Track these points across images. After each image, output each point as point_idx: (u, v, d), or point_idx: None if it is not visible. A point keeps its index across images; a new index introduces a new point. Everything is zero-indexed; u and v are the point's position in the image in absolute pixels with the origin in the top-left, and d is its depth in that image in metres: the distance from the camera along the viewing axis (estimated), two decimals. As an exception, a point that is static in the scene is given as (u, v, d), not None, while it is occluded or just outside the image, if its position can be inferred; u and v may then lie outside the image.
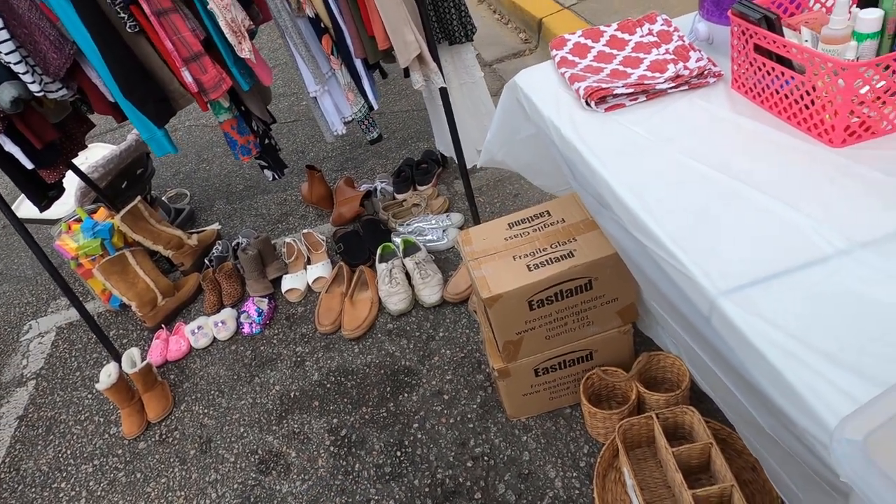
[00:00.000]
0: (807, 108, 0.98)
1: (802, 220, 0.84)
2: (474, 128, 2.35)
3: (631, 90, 1.20)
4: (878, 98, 0.92)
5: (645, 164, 1.04)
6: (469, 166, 2.23)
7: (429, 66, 1.89)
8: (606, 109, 1.21)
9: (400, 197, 2.56)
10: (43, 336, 2.52)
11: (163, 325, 2.31)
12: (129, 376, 1.96)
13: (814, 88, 0.95)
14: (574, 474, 1.49)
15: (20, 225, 1.89)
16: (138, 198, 2.47)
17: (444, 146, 2.53)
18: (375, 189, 2.62)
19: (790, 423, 0.67)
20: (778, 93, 1.04)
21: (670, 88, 1.21)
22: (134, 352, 2.03)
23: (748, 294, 0.76)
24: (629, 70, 1.27)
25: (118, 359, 2.05)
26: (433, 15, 2.03)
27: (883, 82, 0.90)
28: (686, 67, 1.22)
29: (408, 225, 2.36)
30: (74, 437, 2.03)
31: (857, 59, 0.95)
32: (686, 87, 1.21)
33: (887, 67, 0.88)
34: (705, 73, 1.20)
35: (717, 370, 0.90)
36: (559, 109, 1.25)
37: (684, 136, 1.08)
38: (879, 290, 0.71)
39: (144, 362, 1.97)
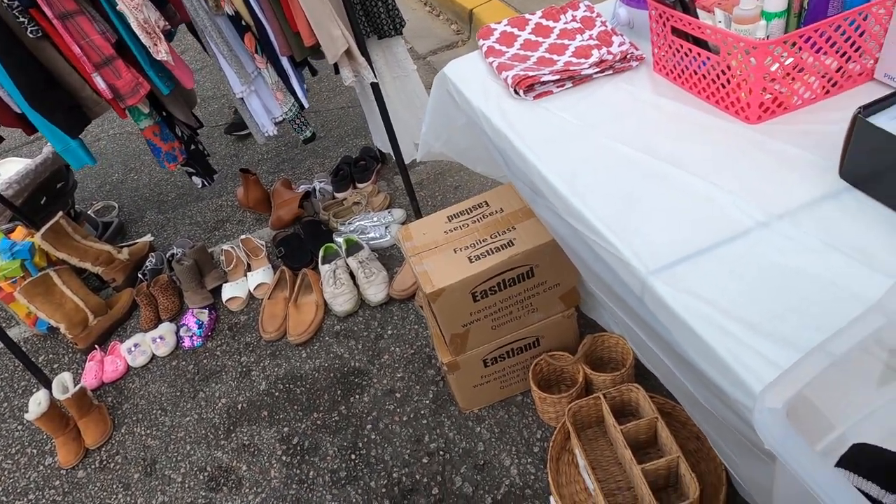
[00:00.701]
0: (723, 87, 1.01)
1: (724, 196, 0.86)
2: (410, 121, 2.32)
3: (557, 77, 1.21)
4: (788, 74, 0.95)
5: (574, 151, 1.05)
6: (407, 161, 2.21)
7: (358, 61, 1.86)
8: (535, 97, 1.22)
9: (340, 196, 2.52)
10: (-36, 368, 2.35)
11: (96, 346, 2.19)
12: (61, 403, 1.86)
13: (728, 68, 0.98)
14: (529, 460, 1.50)
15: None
16: (60, 213, 2.33)
17: (382, 142, 2.50)
18: (314, 189, 2.56)
19: (721, 393, 0.69)
20: (696, 73, 1.06)
21: (595, 73, 1.22)
22: (65, 376, 1.92)
23: (676, 271, 0.78)
24: (555, 57, 1.28)
25: (48, 385, 1.94)
26: (360, 9, 1.99)
27: (791, 59, 0.94)
28: (609, 52, 1.23)
29: (349, 224, 2.32)
30: (5, 472, 1.90)
31: (767, 37, 0.99)
32: (610, 72, 1.23)
33: (794, 44, 0.91)
34: (628, 56, 1.23)
35: (654, 347, 0.92)
36: (488, 99, 1.25)
37: (610, 121, 1.09)
38: (797, 259, 0.74)
39: (78, 386, 1.87)
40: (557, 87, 1.23)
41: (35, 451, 1.94)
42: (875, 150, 0.76)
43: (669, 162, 0.95)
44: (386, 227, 2.27)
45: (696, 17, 1.05)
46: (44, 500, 1.78)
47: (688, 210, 0.86)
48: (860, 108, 0.77)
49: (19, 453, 1.95)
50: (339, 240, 2.20)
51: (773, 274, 0.73)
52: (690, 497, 1.18)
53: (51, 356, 2.27)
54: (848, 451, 0.51)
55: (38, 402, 1.82)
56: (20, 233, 2.28)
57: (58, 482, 1.82)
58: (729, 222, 0.82)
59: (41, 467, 1.88)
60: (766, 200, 0.83)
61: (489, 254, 1.38)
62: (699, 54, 1.04)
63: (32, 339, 2.35)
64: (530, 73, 1.22)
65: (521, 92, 1.21)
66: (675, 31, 1.08)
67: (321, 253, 2.17)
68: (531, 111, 1.18)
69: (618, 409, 1.43)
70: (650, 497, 1.20)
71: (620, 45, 1.25)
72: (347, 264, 2.10)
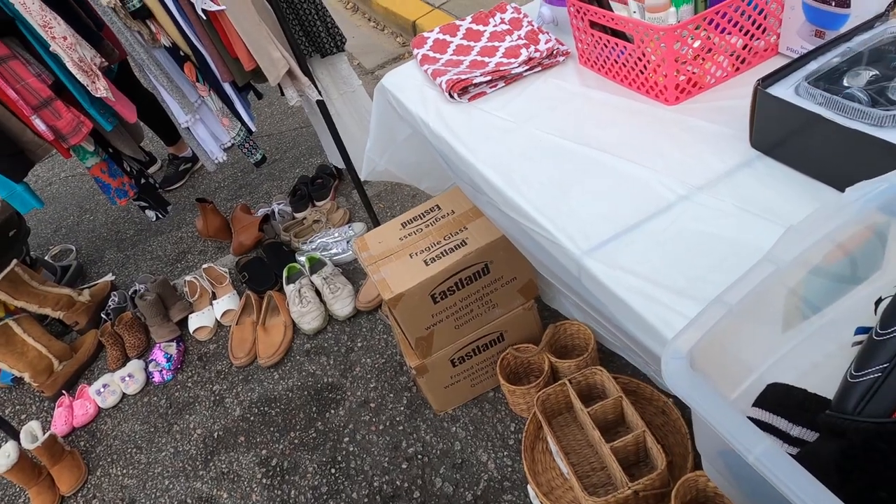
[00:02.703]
0: (641, 73, 1.06)
1: (648, 174, 0.91)
2: (361, 136, 2.34)
3: (489, 77, 1.25)
4: (698, 56, 1.01)
5: (509, 146, 1.09)
6: (361, 175, 2.23)
7: (301, 81, 1.88)
8: (470, 99, 1.26)
9: (299, 216, 2.52)
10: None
11: (64, 391, 2.15)
12: (31, 452, 1.82)
13: (644, 54, 1.03)
14: (505, 453, 1.53)
15: None
16: (14, 261, 2.28)
17: (336, 159, 2.52)
18: (273, 212, 2.57)
19: (658, 360, 0.73)
20: (616, 62, 1.12)
21: (525, 71, 1.27)
22: (33, 425, 1.88)
23: (607, 249, 0.82)
24: (486, 59, 1.33)
25: (16, 437, 1.90)
26: (299, 29, 2.02)
27: (698, 41, 0.99)
28: (537, 50, 1.28)
29: (311, 242, 2.33)
30: (-21, 530, 1.86)
31: (679, 22, 1.04)
32: (539, 69, 1.28)
33: (698, 27, 0.97)
34: (554, 52, 1.28)
35: (604, 322, 0.96)
36: (426, 105, 1.28)
37: (542, 114, 1.14)
38: (715, 225, 0.79)
39: (47, 434, 1.84)
40: (490, 87, 1.27)
41: (8, 505, 1.90)
42: (776, 118, 0.82)
43: (598, 147, 1.00)
44: (347, 242, 2.29)
45: (611, 9, 1.11)
46: (21, 554, 1.74)
47: (616, 191, 0.90)
48: (759, 80, 0.82)
49: (-8, 509, 1.90)
50: (302, 259, 2.21)
51: (695, 241, 0.78)
52: (659, 468, 1.23)
53: (17, 407, 2.22)
54: (762, 391, 0.55)
55: (6, 455, 1.78)
56: (-26, 285, 2.23)
57: (35, 534, 1.78)
58: (654, 198, 0.86)
59: (16, 521, 1.84)
60: (687, 175, 0.88)
61: (444, 255, 1.41)
62: (616, 44, 1.09)
63: (-3, 392, 2.30)
64: (463, 77, 1.26)
65: (455, 95, 1.25)
66: (593, 24, 1.13)
67: (285, 273, 2.18)
68: (467, 113, 1.22)
69: (585, 393, 1.47)
70: (621, 473, 1.24)
71: (547, 42, 1.30)
72: (312, 282, 2.11)
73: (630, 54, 1.07)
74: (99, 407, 2.07)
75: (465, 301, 1.46)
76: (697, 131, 0.96)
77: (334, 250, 2.28)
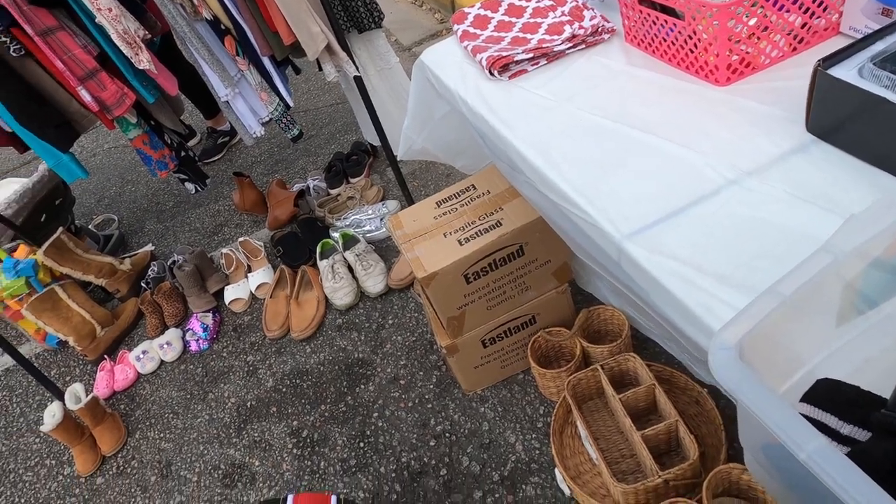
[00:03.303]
0: (691, 52, 1.02)
1: (695, 157, 0.88)
2: (397, 113, 2.34)
3: (531, 55, 1.22)
4: (753, 35, 0.96)
5: (549, 124, 1.06)
6: (396, 153, 2.23)
7: (339, 56, 1.87)
8: (510, 77, 1.23)
9: (334, 192, 2.54)
10: (-21, 387, 2.40)
11: (106, 356, 2.23)
12: (75, 413, 1.90)
13: (694, 32, 0.99)
14: (533, 436, 1.53)
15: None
16: (60, 229, 2.36)
17: (371, 136, 2.51)
18: (308, 187, 2.59)
19: (698, 348, 0.71)
20: (665, 40, 1.08)
21: (568, 49, 1.23)
22: (77, 387, 1.96)
23: (649, 234, 0.79)
24: (528, 36, 1.29)
25: (62, 397, 1.98)
26: (338, 4, 2.00)
27: (754, 19, 0.95)
28: (581, 27, 1.24)
29: (345, 219, 2.34)
30: (26, 484, 1.95)
31: (731, -1, 0.99)
32: (583, 46, 1.24)
33: (755, 4, 0.92)
34: (599, 30, 1.24)
35: (645, 307, 0.94)
36: (465, 82, 1.26)
37: (584, 93, 1.11)
38: (765, 211, 0.75)
39: (90, 396, 1.91)
40: (532, 65, 1.24)
41: (54, 461, 1.98)
42: (836, 101, 0.77)
43: (642, 128, 0.96)
44: (381, 220, 2.30)
45: (661, -16, 1.06)
46: (65, 509, 1.82)
47: (660, 173, 0.88)
48: (819, 60, 0.78)
49: (39, 465, 1.99)
50: (336, 235, 2.23)
51: (743, 228, 0.75)
52: (691, 458, 1.21)
53: (62, 369, 2.31)
54: (811, 386, 0.53)
55: (52, 414, 1.86)
56: (23, 251, 2.31)
57: (77, 490, 1.86)
58: (701, 182, 0.83)
59: (60, 477, 1.92)
60: (736, 158, 0.85)
61: (478, 235, 1.40)
62: (666, 21, 1.05)
63: (43, 354, 2.40)
64: (504, 54, 1.23)
65: (496, 72, 1.23)
66: (642, 0, 1.09)
67: (319, 249, 2.20)
68: (507, 91, 1.19)
69: (617, 379, 1.46)
70: (651, 461, 1.22)
71: (592, 18, 1.26)
72: (345, 258, 2.13)
73: (680, 32, 1.02)
74: (138, 372, 2.14)
75: (499, 282, 1.45)
76: (749, 113, 0.92)
77: (367, 227, 2.29)
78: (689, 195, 0.82)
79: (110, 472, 1.87)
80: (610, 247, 0.84)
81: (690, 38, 1.00)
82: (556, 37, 1.25)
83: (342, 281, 2.07)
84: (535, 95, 1.15)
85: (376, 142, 2.48)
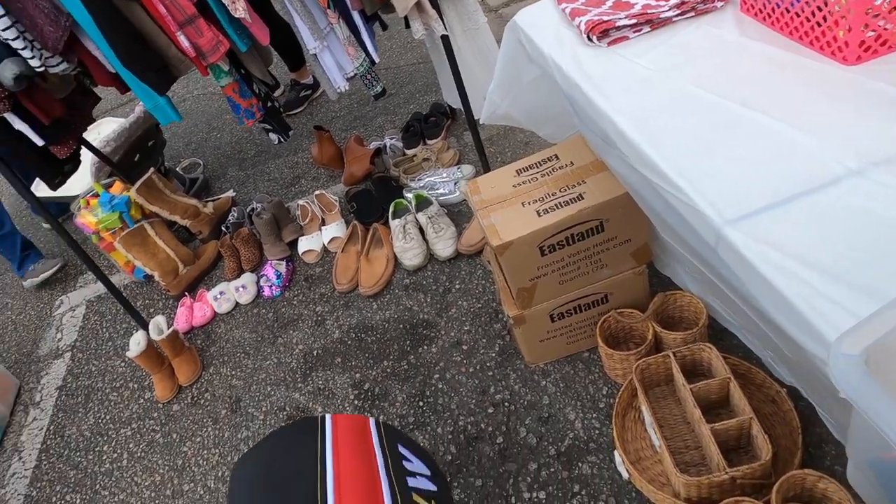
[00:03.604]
0: (818, 25, 0.93)
1: (813, 142, 0.80)
2: (481, 76, 2.29)
3: (634, 21, 1.16)
4: (895, 9, 0.86)
5: (649, 97, 1.00)
6: (477, 116, 2.19)
7: (428, 13, 1.84)
8: (609, 43, 1.17)
9: (410, 152, 2.54)
10: (74, 310, 2.60)
11: (186, 293, 2.36)
12: (157, 343, 2.02)
13: (826, 3, 0.90)
14: (594, 415, 1.51)
15: (39, 203, 1.92)
16: (151, 169, 2.49)
17: (452, 98, 2.48)
18: (385, 146, 2.60)
19: (799, 347, 0.67)
20: (788, 11, 0.99)
21: (675, 16, 1.16)
22: (160, 319, 2.08)
23: (755, 221, 0.74)
24: (632, 0, 1.22)
25: (146, 327, 2.11)
26: (430, -41, 1.96)
27: (899, -10, 0.85)
28: (692, -8, 1.16)
29: (419, 180, 2.34)
30: (112, 403, 2.11)
31: (873, -33, 0.89)
32: (692, 14, 1.16)
33: (903, -27, 0.83)
34: (712, -4, 1.15)
35: (734, 298, 0.89)
36: (561, 47, 1.21)
37: (690, 65, 1.03)
38: (892, 208, 0.69)
39: (171, 329, 2.03)
40: (634, 31, 1.17)
41: (136, 386, 2.14)
42: None
43: (754, 107, 0.89)
44: (455, 183, 2.28)
45: (792, -52, 0.97)
46: (144, 429, 1.97)
47: (770, 157, 0.81)
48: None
49: (123, 387, 2.15)
50: (409, 195, 2.23)
51: (862, 223, 0.68)
52: (762, 458, 1.15)
53: (147, 301, 2.47)
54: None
55: (137, 342, 2.00)
56: (118, 187, 2.46)
57: (155, 414, 2.00)
58: (817, 170, 0.77)
59: (141, 400, 2.07)
60: (861, 146, 0.77)
61: (558, 207, 1.36)
62: (793, -11, 0.96)
63: (131, 285, 2.56)
64: (605, 18, 1.17)
65: (594, 38, 1.17)
66: (766, -35, 1.00)
67: (391, 208, 2.21)
68: (606, 58, 1.14)
69: (688, 368, 1.40)
70: (719, 456, 1.18)
71: (705, -16, 1.17)
72: (417, 219, 2.14)
73: (807, 3, 0.93)
74: (215, 311, 2.26)
75: (574, 257, 1.41)
76: (880, 96, 0.83)
77: (441, 190, 2.28)
78: (802, 183, 0.76)
79: (185, 401, 2.00)
80: (707, 232, 0.79)
81: (819, 10, 0.91)
82: (662, 3, 1.17)
83: (412, 242, 2.08)
84: (635, 65, 1.09)
85: (456, 104, 2.45)
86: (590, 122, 1.11)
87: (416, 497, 0.43)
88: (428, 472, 0.51)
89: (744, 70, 0.98)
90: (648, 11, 1.16)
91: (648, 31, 1.16)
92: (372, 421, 0.55)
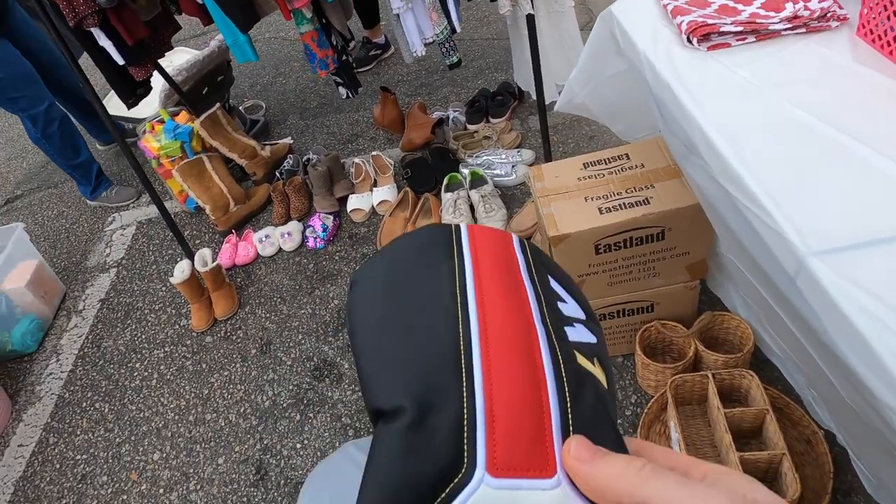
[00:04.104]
0: (945, 61, 0.87)
1: (919, 185, 0.76)
2: (558, 61, 2.24)
3: (740, 28, 1.10)
4: None
5: (745, 110, 0.96)
6: (548, 102, 2.15)
7: (518, -11, 1.80)
8: (709, 48, 1.12)
9: (472, 128, 2.51)
10: (125, 229, 2.69)
11: (233, 231, 2.41)
12: (200, 274, 2.08)
13: (958, 39, 0.84)
14: (619, 422, 1.49)
15: (111, 121, 1.97)
16: (217, 104, 2.52)
17: (523, 79, 2.44)
18: (448, 117, 2.58)
19: (870, 394, 0.64)
20: (912, 42, 0.93)
21: (785, 30, 1.10)
22: (206, 252, 2.13)
23: (843, 257, 0.71)
24: (740, 6, 1.16)
25: (191, 257, 2.17)
26: (528, -66, 1.91)
27: None
28: (807, 7, 1.10)
29: (477, 157, 2.32)
30: (149, 324, 2.18)
31: None
32: (803, 30, 1.10)
33: None
34: (828, 15, 1.09)
35: (796, 331, 0.86)
36: (656, 44, 1.16)
37: (794, 83, 0.98)
38: None
39: (215, 262, 2.08)
40: (737, 39, 1.12)
41: (174, 311, 2.20)
42: None
43: (858, 137, 0.85)
44: (513, 166, 2.25)
45: (931, -25, 0.90)
46: (176, 354, 2.03)
47: (871, 192, 0.77)
48: None
49: (161, 311, 2.22)
50: (465, 171, 2.22)
51: (964, 279, 0.65)
52: (789, 496, 1.13)
53: (194, 232, 2.53)
54: None
55: (181, 270, 2.05)
56: (183, 117, 2.50)
57: (189, 341, 2.06)
58: (919, 214, 0.73)
59: (177, 326, 2.13)
60: (973, 197, 0.72)
61: (621, 208, 1.33)
62: (923, 20, 0.90)
63: (181, 214, 2.62)
64: (709, 21, 1.12)
65: (694, 40, 1.12)
66: (897, -11, 0.94)
67: (445, 181, 2.20)
68: (703, 63, 1.09)
69: (725, 392, 1.37)
70: (743, 485, 1.15)
71: (821, 0, 1.11)
72: (469, 196, 2.12)
73: (937, 36, 0.87)
74: (258, 253, 2.30)
75: (628, 261, 1.38)
76: None
77: (498, 171, 2.25)
78: (901, 226, 0.72)
79: (219, 335, 2.05)
80: (788, 259, 0.76)
81: (949, 45, 0.85)
82: (773, 13, 1.12)
83: (461, 218, 2.07)
84: (735, 74, 1.04)
85: (526, 86, 2.41)
86: (675, 125, 1.07)
87: (580, 360, 0.32)
88: (583, 316, 0.37)
89: (853, 98, 0.93)
90: (757, 21, 1.11)
91: (753, 42, 1.11)
92: (515, 237, 0.39)
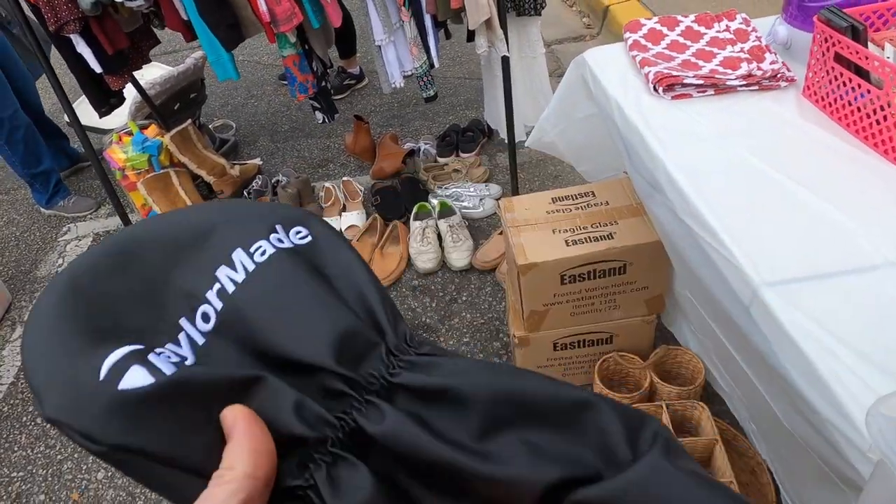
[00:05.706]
0: (878, 123, 0.98)
1: (858, 228, 0.85)
2: (527, 104, 2.35)
3: (701, 82, 1.21)
4: (954, 123, 0.92)
5: (705, 154, 1.05)
6: (526, 142, 2.24)
7: (495, 32, 1.90)
8: (673, 97, 1.22)
9: (442, 160, 2.58)
10: (80, 240, 2.61)
11: (196, 247, 2.37)
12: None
13: (889, 104, 0.95)
14: (575, 449, 1.53)
15: (81, 128, 1.95)
16: (189, 120, 2.52)
17: (493, 118, 2.53)
18: (419, 149, 2.64)
19: (812, 412, 0.70)
20: (850, 105, 1.04)
21: (740, 86, 1.21)
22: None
23: (792, 288, 0.78)
24: (701, 62, 1.28)
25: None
26: (508, -17, 2.03)
27: (962, 107, 0.90)
28: (759, 68, 1.21)
29: (446, 188, 2.38)
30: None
31: (940, 81, 0.95)
32: (756, 88, 1.21)
33: (970, 92, 0.88)
34: (778, 76, 1.20)
35: (742, 363, 0.93)
36: (626, 91, 1.26)
37: (747, 134, 1.08)
38: (924, 303, 0.73)
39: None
40: (698, 91, 1.22)
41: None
42: None
43: (805, 185, 0.94)
44: (480, 199, 2.32)
45: (867, 46, 1.02)
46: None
47: (816, 234, 0.86)
48: None
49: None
50: (434, 201, 2.27)
51: (894, 311, 0.72)
52: (735, 522, 1.18)
53: (155, 247, 2.47)
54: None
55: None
56: (153, 130, 2.48)
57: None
58: (857, 254, 0.81)
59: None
60: (902, 241, 0.81)
61: (587, 241, 1.40)
62: (859, 85, 1.01)
63: (142, 228, 2.57)
64: (674, 73, 1.22)
65: (660, 90, 1.22)
66: (837, 57, 1.05)
67: (414, 210, 2.25)
68: (668, 110, 1.19)
69: (677, 423, 1.43)
70: (693, 511, 1.20)
71: (772, 63, 1.23)
72: (437, 226, 2.17)
73: (871, 100, 0.99)
74: (221, 271, 2.27)
75: (591, 292, 1.45)
76: (925, 201, 0.88)
77: (466, 203, 2.32)
78: (842, 263, 0.80)
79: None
80: (743, 289, 0.83)
81: (882, 109, 0.96)
82: (730, 71, 1.23)
83: (429, 246, 2.11)
84: (695, 122, 1.14)
85: (495, 125, 2.51)
86: (641, 165, 1.15)
87: None
88: None
89: (798, 149, 1.03)
90: (716, 76, 1.21)
91: (712, 94, 1.22)
92: None
